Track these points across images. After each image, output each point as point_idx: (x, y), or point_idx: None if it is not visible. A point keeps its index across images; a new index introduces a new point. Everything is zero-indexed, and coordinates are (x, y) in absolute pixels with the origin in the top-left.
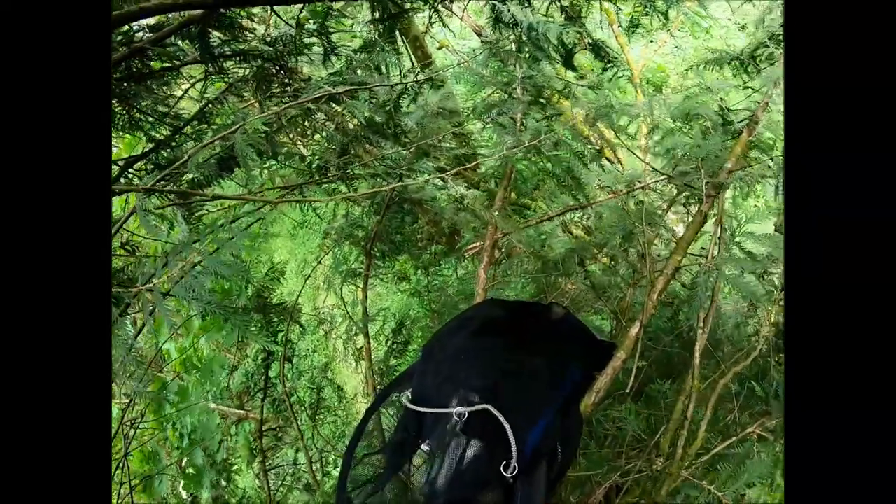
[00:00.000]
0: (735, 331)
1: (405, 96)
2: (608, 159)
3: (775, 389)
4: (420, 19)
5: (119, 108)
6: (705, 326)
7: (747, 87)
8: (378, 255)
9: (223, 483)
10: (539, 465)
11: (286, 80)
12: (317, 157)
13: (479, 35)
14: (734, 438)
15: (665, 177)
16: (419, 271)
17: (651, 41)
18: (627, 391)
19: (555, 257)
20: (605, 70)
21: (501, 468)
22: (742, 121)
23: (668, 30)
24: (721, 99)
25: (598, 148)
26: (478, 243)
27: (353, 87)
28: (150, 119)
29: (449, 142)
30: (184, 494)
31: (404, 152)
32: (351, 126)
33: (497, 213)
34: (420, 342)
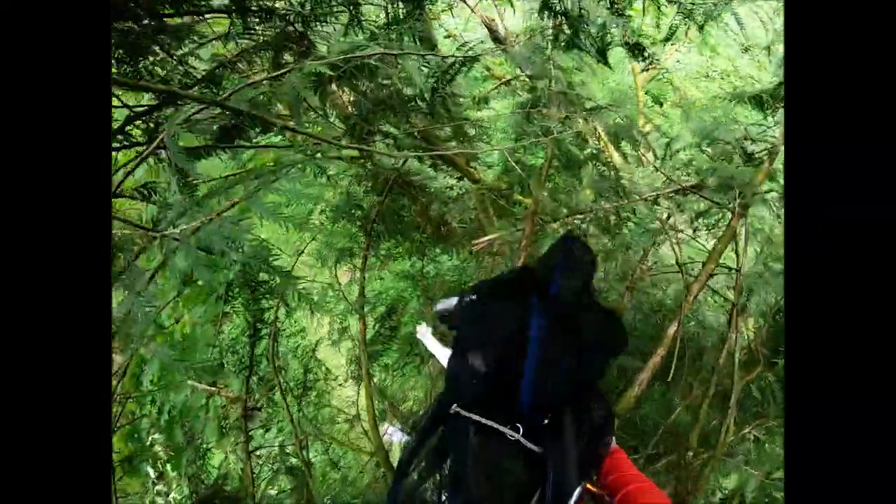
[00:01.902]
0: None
1: (449, 72)
2: (605, 164)
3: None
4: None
5: (126, 60)
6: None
7: (763, 126)
8: (374, 236)
9: (198, 462)
10: (562, 424)
11: (303, 50)
12: (357, 116)
13: (489, 28)
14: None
15: (690, 190)
16: (413, 256)
17: (657, 53)
18: (669, 379)
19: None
20: (644, 70)
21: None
22: (762, 151)
23: (674, 44)
24: (745, 128)
25: (595, 150)
26: (486, 238)
27: (406, 52)
28: (160, 74)
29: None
30: (151, 473)
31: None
32: (390, 92)
33: (545, 194)
34: (409, 328)
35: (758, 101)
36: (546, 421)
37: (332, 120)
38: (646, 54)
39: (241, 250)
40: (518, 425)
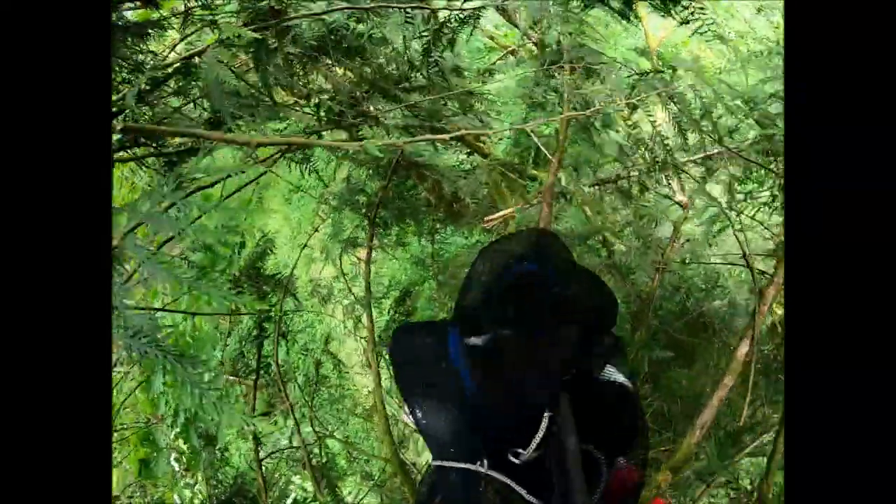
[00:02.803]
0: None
1: (444, 31)
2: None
3: None
4: None
5: None
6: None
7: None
8: (380, 223)
9: (215, 464)
10: (565, 471)
11: (282, 28)
12: (330, 100)
13: None
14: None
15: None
16: (422, 238)
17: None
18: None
19: (567, 232)
20: (684, 23)
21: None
22: None
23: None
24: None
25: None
26: (500, 214)
27: (381, 5)
28: (125, 73)
29: (455, 104)
30: (177, 466)
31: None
32: (367, 70)
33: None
34: (424, 313)
35: None
36: (527, 453)
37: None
38: (684, 4)
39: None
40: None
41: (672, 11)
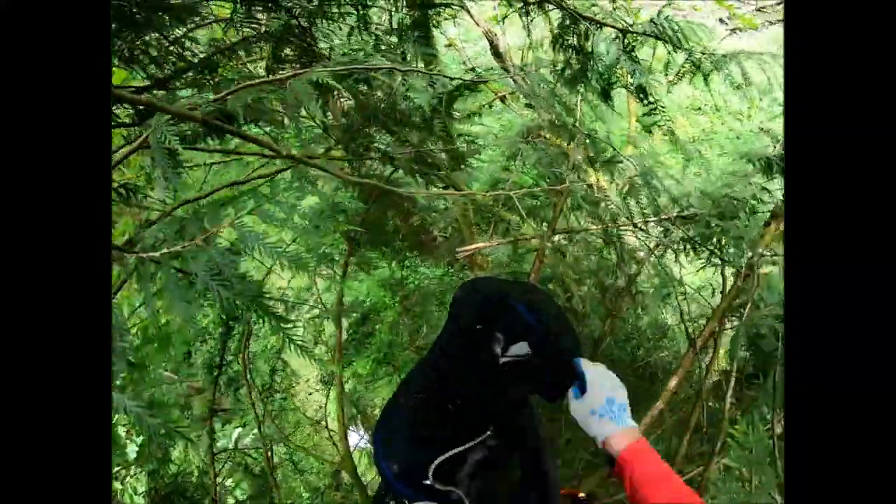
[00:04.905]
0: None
1: (454, 94)
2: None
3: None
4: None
5: (121, 35)
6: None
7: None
8: (357, 243)
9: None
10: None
11: (305, 45)
12: (350, 130)
13: (490, 40)
14: None
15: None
16: (393, 263)
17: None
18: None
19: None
20: (647, 115)
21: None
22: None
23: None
24: (761, 187)
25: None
26: (472, 246)
27: (414, 70)
28: (153, 54)
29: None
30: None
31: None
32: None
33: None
34: (385, 336)
35: (766, 165)
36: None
37: (327, 131)
38: (650, 99)
39: (229, 283)
40: None
41: (642, 99)
